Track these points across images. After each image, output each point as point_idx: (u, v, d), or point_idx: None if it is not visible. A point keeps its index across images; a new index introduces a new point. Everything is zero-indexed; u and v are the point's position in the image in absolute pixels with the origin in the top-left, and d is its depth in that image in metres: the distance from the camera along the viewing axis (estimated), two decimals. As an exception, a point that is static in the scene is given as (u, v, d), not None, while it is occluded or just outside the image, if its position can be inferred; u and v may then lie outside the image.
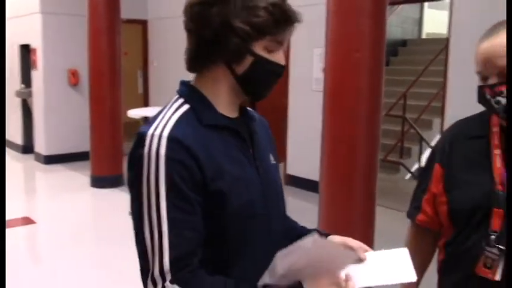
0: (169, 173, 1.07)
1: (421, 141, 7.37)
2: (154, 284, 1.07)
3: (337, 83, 3.42)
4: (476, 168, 1.39)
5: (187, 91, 1.21)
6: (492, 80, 1.32)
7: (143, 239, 1.09)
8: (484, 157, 1.38)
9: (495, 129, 1.39)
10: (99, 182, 6.52)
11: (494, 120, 1.40)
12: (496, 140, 1.38)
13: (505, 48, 1.28)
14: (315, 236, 1.16)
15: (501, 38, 1.30)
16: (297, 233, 1.31)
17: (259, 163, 1.23)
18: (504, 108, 1.31)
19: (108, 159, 6.48)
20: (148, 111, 6.29)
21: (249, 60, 1.16)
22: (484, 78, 1.35)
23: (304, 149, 6.25)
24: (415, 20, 10.44)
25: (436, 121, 7.53)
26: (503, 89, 1.29)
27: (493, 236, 1.30)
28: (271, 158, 1.31)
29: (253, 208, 1.17)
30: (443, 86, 5.14)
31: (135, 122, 6.48)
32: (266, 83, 1.21)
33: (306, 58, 6.16)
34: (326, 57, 3.50)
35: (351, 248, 1.23)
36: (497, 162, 1.35)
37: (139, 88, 8.93)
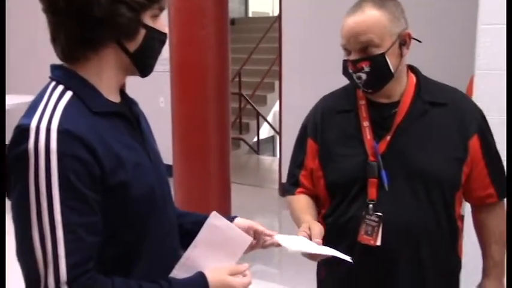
0: (62, 170, 0.94)
1: (258, 116, 7.70)
2: None
3: (183, 62, 3.35)
4: (348, 141, 1.45)
5: (64, 76, 1.06)
6: (354, 55, 1.37)
7: (32, 248, 0.94)
8: (354, 130, 1.44)
9: (362, 102, 1.46)
10: None
11: (360, 93, 1.47)
12: (364, 113, 1.44)
13: (369, 25, 1.34)
14: (211, 220, 1.13)
15: (365, 15, 1.35)
16: (192, 219, 1.27)
17: (149, 149, 1.16)
18: (364, 83, 1.38)
19: None
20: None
21: (141, 33, 1.07)
22: (348, 52, 1.40)
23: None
24: (241, -1, 10.77)
25: (270, 96, 7.92)
26: (364, 65, 1.35)
27: (370, 205, 1.38)
28: (154, 143, 1.25)
29: (154, 195, 1.10)
30: (278, 63, 5.38)
31: None
32: (156, 55, 1.14)
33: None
34: (170, 36, 3.39)
35: (256, 232, 1.22)
36: (367, 134, 1.42)
37: None
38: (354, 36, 1.35)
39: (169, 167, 3.78)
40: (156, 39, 1.10)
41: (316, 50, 4.82)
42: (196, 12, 3.24)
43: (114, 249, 1.04)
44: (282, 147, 5.33)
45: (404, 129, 1.40)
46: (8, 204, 1.02)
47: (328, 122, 1.50)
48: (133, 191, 1.04)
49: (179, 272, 1.10)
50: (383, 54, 1.35)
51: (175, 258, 1.13)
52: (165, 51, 4.18)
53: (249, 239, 1.17)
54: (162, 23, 1.12)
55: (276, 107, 6.99)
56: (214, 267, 1.11)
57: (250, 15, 10.93)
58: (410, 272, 1.40)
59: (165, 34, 1.13)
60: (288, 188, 1.59)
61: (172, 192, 4.05)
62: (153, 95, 5.88)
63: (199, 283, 1.08)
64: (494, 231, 1.50)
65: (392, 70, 1.37)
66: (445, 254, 1.43)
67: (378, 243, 1.36)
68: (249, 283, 1.13)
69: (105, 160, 1.00)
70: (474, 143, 1.41)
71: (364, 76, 1.37)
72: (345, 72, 1.43)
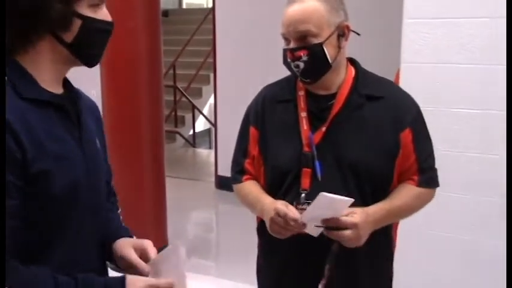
0: None
1: (193, 109, 7.62)
2: None
3: (113, 53, 3.24)
4: (286, 131, 1.47)
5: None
6: (293, 44, 1.39)
7: None
8: (292, 120, 1.46)
9: (301, 92, 1.48)
10: None
11: (300, 84, 1.48)
12: (302, 103, 1.46)
13: (308, 15, 1.35)
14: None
15: (305, 5, 1.37)
16: (110, 230, 1.24)
17: (85, 144, 1.14)
18: (302, 72, 1.40)
19: None
20: None
21: (77, 23, 1.06)
22: (287, 41, 1.41)
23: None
24: (175, -10, 10.59)
25: (206, 89, 7.86)
26: (302, 53, 1.37)
27: (303, 194, 1.40)
28: (98, 142, 1.21)
29: (76, 190, 1.08)
30: (213, 55, 5.34)
31: None
32: (99, 44, 1.13)
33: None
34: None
35: (144, 250, 1.19)
36: (304, 125, 1.44)
37: None
38: (293, 25, 1.37)
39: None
40: (95, 28, 1.09)
41: (250, 42, 4.83)
42: (124, 3, 3.15)
43: (31, 236, 1.03)
44: (218, 139, 5.31)
45: (340, 121, 1.42)
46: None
47: (268, 110, 1.51)
48: (55, 182, 1.03)
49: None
50: (321, 44, 1.37)
51: (98, 253, 1.14)
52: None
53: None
54: (105, 12, 1.11)
55: (212, 100, 6.95)
56: (137, 276, 1.11)
57: (184, 6, 10.78)
58: (343, 259, 1.43)
59: (108, 22, 1.12)
60: (234, 176, 1.58)
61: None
62: (85, 87, 5.63)
63: (117, 286, 1.07)
64: (403, 194, 1.46)
65: (330, 61, 1.39)
66: (376, 242, 1.44)
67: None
68: None
69: (27, 146, 0.99)
70: (406, 136, 1.44)
71: (302, 65, 1.38)
72: (285, 61, 1.43)
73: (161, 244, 3.51)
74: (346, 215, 1.31)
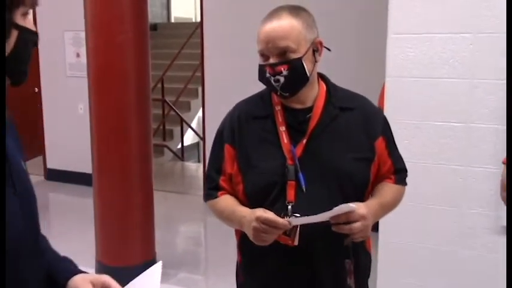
0: None
1: (182, 122, 7.63)
2: None
3: (102, 67, 3.26)
4: (266, 146, 1.49)
5: None
6: (273, 60, 1.42)
7: None
8: (271, 135, 1.49)
9: (278, 107, 1.51)
10: None
11: (276, 99, 1.52)
12: (280, 118, 1.49)
13: (287, 31, 1.39)
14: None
15: (283, 22, 1.41)
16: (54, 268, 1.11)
17: (15, 178, 0.96)
18: (282, 86, 1.43)
19: None
20: None
21: (14, 35, 0.94)
22: (265, 57, 1.45)
23: (64, 139, 5.84)
24: (163, 4, 10.64)
25: (194, 102, 7.88)
26: (283, 68, 1.41)
27: (289, 206, 1.42)
28: (23, 164, 1.05)
29: (17, 242, 0.93)
30: (201, 69, 5.37)
31: None
32: (28, 59, 0.99)
33: (57, 42, 5.72)
34: (88, 42, 3.30)
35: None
36: (285, 139, 1.47)
37: None
38: (272, 41, 1.41)
39: (88, 176, 3.69)
40: (28, 40, 0.97)
41: (237, 55, 4.87)
42: (113, 17, 3.17)
43: None
44: (207, 153, 5.32)
45: (319, 133, 1.47)
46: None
47: (245, 127, 1.53)
48: None
49: None
50: (300, 59, 1.41)
51: None
52: (84, 57, 4.01)
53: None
54: (31, 20, 0.99)
55: (200, 113, 6.99)
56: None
57: (172, 20, 10.83)
58: (329, 271, 1.46)
59: (36, 34, 0.99)
60: (210, 192, 1.59)
61: (93, 202, 3.90)
62: (72, 101, 5.68)
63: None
64: (387, 191, 1.56)
65: (308, 74, 1.44)
66: (358, 250, 1.50)
67: (296, 243, 1.40)
68: None
69: None
70: (380, 143, 1.53)
71: (282, 79, 1.42)
72: (261, 77, 1.47)
73: (150, 257, 3.51)
74: None
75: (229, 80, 4.97)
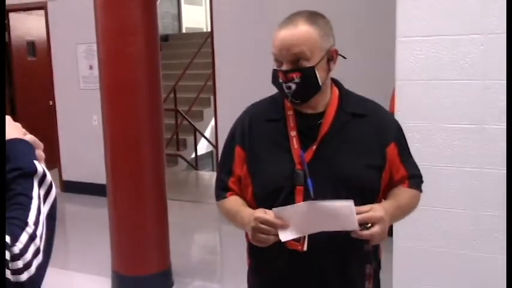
0: None
1: (195, 131, 7.67)
2: None
3: (113, 79, 3.30)
4: (276, 150, 1.49)
5: None
6: (286, 66, 1.42)
7: None
8: (282, 139, 1.48)
9: (290, 112, 1.51)
10: None
11: (288, 103, 1.51)
12: (291, 123, 1.49)
13: (302, 39, 1.39)
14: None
15: (299, 29, 1.40)
16: None
17: None
18: (293, 93, 1.43)
19: None
20: None
21: None
22: (279, 63, 1.45)
23: (79, 151, 5.91)
24: (174, 16, 10.74)
25: (207, 111, 7.92)
26: (295, 76, 1.41)
27: None
28: None
29: None
30: (212, 78, 5.41)
31: None
32: None
33: (70, 56, 5.80)
34: (99, 54, 3.34)
35: None
36: (295, 144, 1.46)
37: None
38: (287, 48, 1.40)
39: (103, 186, 3.72)
40: None
41: (248, 63, 4.90)
42: (123, 29, 3.21)
43: None
44: (220, 161, 5.33)
45: (329, 139, 1.46)
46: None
47: (256, 130, 1.53)
48: None
49: None
50: (313, 68, 1.41)
51: None
52: (96, 69, 4.06)
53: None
54: None
55: (213, 122, 7.01)
56: None
57: (183, 31, 10.92)
58: (336, 276, 1.45)
59: None
60: (219, 193, 1.59)
61: (107, 212, 3.93)
62: (86, 113, 5.75)
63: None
64: (403, 194, 1.52)
65: (320, 83, 1.43)
66: (366, 256, 1.48)
67: (305, 248, 1.40)
68: None
69: None
70: (392, 150, 1.50)
71: (294, 86, 1.42)
72: (275, 81, 1.47)
73: (165, 267, 3.52)
74: (368, 211, 1.35)
75: (241, 89, 4.99)
